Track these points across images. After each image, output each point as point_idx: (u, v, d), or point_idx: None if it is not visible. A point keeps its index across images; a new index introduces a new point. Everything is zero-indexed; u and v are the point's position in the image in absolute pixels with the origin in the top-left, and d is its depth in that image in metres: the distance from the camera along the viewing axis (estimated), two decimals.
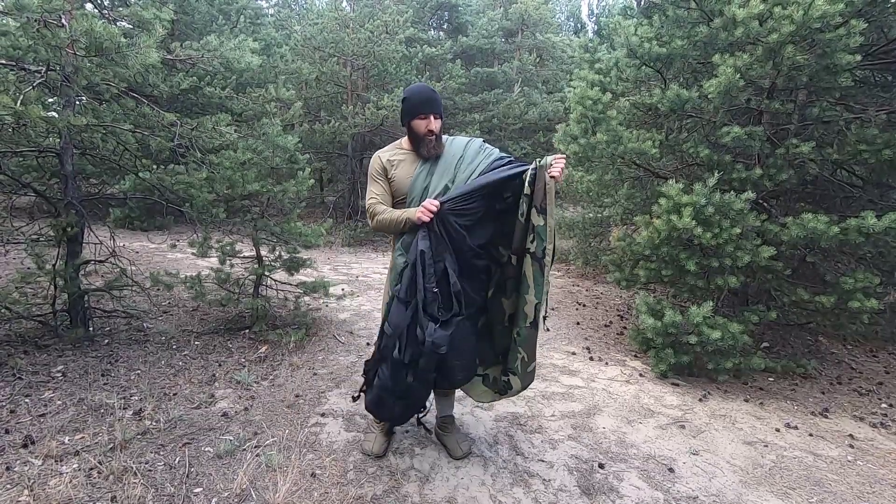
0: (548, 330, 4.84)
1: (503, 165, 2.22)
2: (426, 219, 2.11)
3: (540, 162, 2.09)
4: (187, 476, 2.31)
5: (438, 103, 2.29)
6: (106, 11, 3.92)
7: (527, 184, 2.10)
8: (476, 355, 2.34)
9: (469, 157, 2.29)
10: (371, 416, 2.88)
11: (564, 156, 2.10)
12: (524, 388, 2.37)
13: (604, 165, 4.93)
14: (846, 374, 4.18)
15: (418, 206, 2.20)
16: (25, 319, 3.63)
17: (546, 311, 2.22)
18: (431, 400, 2.68)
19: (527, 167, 2.13)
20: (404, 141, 2.40)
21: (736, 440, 2.97)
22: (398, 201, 2.34)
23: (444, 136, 2.40)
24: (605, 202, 6.42)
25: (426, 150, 2.29)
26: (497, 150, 2.36)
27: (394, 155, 2.36)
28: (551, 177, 2.04)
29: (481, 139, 2.43)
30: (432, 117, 2.25)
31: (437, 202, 2.12)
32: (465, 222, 2.14)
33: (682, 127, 4.63)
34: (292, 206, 4.18)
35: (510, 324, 2.31)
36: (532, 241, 2.13)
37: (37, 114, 2.70)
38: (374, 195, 2.33)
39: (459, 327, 2.13)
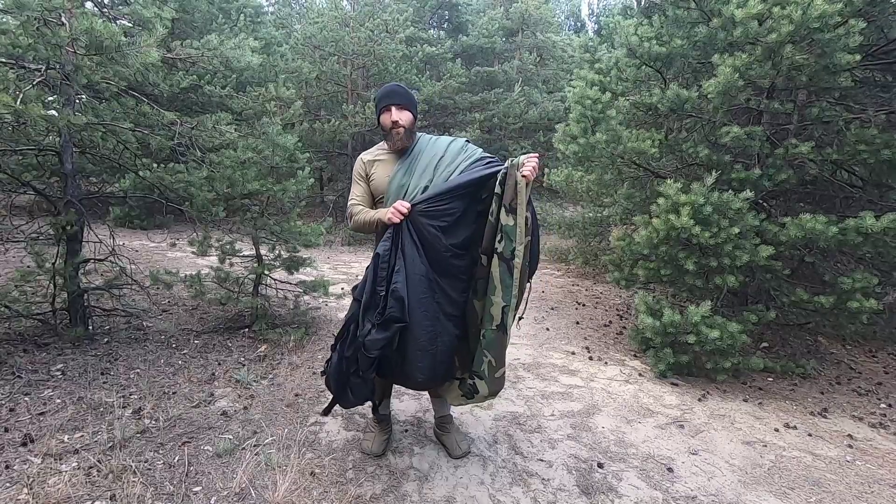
0: (547, 329, 4.87)
1: (483, 166, 2.20)
2: (396, 220, 2.11)
3: (512, 161, 2.05)
4: (186, 475, 2.31)
5: (401, 95, 2.29)
6: (106, 10, 3.92)
7: (497, 183, 2.08)
8: (452, 357, 2.28)
9: (449, 157, 2.27)
10: (370, 416, 2.89)
11: (537, 154, 2.06)
12: (492, 394, 2.30)
13: (603, 165, 4.93)
14: (845, 375, 4.19)
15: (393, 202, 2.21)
16: (25, 318, 3.63)
17: (523, 313, 2.19)
18: (429, 400, 2.69)
19: (500, 168, 2.11)
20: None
21: (735, 440, 2.98)
22: (377, 201, 2.36)
23: (429, 136, 2.39)
24: (605, 202, 6.42)
25: (393, 144, 2.31)
26: (480, 149, 2.33)
27: (376, 155, 2.39)
28: (522, 176, 2.00)
29: (465, 139, 2.41)
30: (394, 109, 2.26)
31: (407, 204, 2.11)
32: (440, 223, 2.12)
33: (681, 127, 4.64)
34: (292, 205, 4.18)
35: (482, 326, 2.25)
36: (500, 242, 2.08)
37: (37, 112, 2.70)
38: (354, 196, 2.38)
39: (419, 332, 2.10)
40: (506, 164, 2.08)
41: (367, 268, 2.17)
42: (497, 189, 2.08)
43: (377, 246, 2.20)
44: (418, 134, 2.38)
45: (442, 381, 2.33)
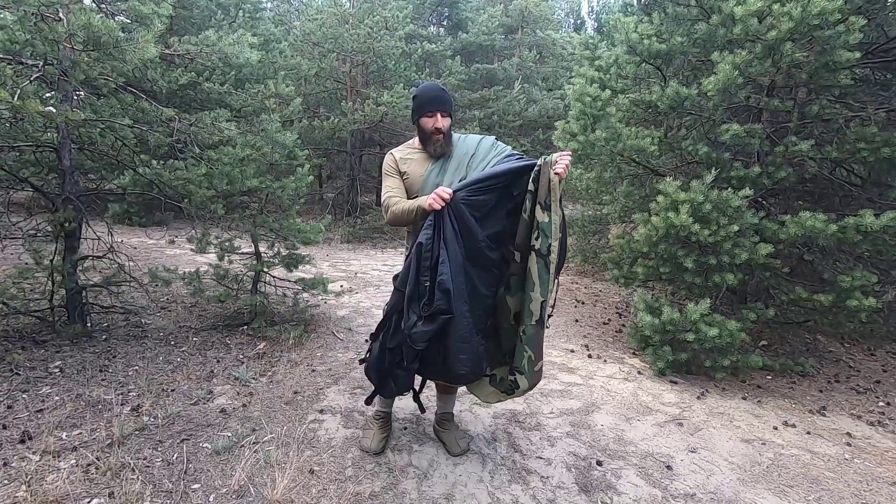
0: (547, 327, 4.86)
1: (516, 159, 2.22)
2: (437, 206, 2.05)
3: (545, 158, 2.08)
4: (185, 472, 2.31)
5: (446, 101, 2.26)
6: (104, 6, 3.90)
7: (531, 180, 2.11)
8: (486, 351, 2.29)
9: (482, 153, 2.28)
10: (369, 413, 2.89)
11: (569, 152, 2.10)
12: (531, 387, 2.32)
13: (603, 163, 4.93)
14: (844, 373, 4.19)
15: None
16: (23, 315, 3.62)
17: (551, 311, 2.22)
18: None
19: (535, 162, 2.13)
20: (416, 140, 2.39)
21: (734, 438, 2.98)
22: (410, 199, 2.34)
23: (456, 135, 2.38)
24: (604, 200, 6.42)
25: (433, 149, 2.28)
26: (509, 147, 2.35)
27: (407, 154, 2.36)
28: (556, 173, 2.03)
29: (493, 137, 2.41)
30: (439, 115, 2.23)
31: (449, 190, 2.07)
32: (476, 213, 2.11)
33: (681, 124, 4.63)
34: (291, 202, 4.17)
35: (516, 322, 2.29)
36: (536, 238, 2.12)
37: (34, 108, 2.68)
38: (389, 188, 2.31)
39: (460, 322, 2.08)
40: (539, 161, 2.10)
41: (408, 257, 2.15)
42: (531, 186, 2.10)
43: (417, 236, 2.15)
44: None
45: (480, 374, 2.30)
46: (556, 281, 2.24)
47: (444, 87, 2.32)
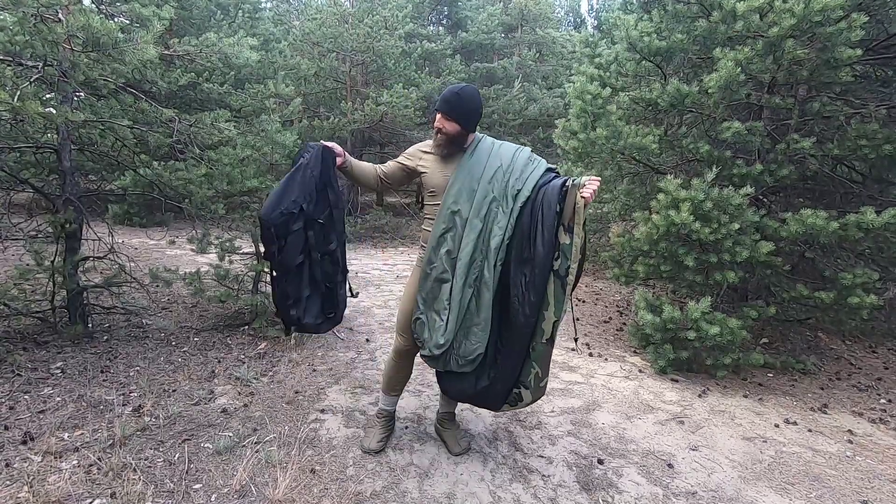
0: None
1: (549, 181, 2.20)
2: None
3: (573, 181, 2.07)
4: (187, 472, 2.31)
5: (452, 105, 2.22)
6: (104, 7, 3.90)
7: (556, 201, 2.10)
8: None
9: (518, 168, 2.24)
10: (370, 412, 2.90)
11: (598, 178, 2.08)
12: (534, 401, 2.36)
13: (603, 161, 4.92)
14: (845, 370, 4.19)
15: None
16: (24, 316, 3.63)
17: (577, 334, 2.24)
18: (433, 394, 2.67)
19: (566, 180, 2.12)
20: None
21: (735, 436, 2.98)
22: (428, 193, 2.36)
23: (492, 140, 2.35)
24: (605, 198, 6.40)
25: (434, 146, 2.33)
26: (544, 160, 2.32)
27: (426, 147, 2.40)
28: (582, 197, 2.02)
29: (529, 148, 2.38)
30: (439, 115, 2.24)
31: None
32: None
33: (681, 122, 4.62)
34: None
35: (529, 339, 2.29)
36: (556, 259, 2.12)
37: (34, 109, 2.68)
38: (386, 164, 2.45)
39: (508, 372, 2.24)
40: (567, 183, 2.10)
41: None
42: (556, 207, 2.10)
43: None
44: (479, 135, 2.35)
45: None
46: (570, 301, 2.26)
47: (462, 92, 2.23)
